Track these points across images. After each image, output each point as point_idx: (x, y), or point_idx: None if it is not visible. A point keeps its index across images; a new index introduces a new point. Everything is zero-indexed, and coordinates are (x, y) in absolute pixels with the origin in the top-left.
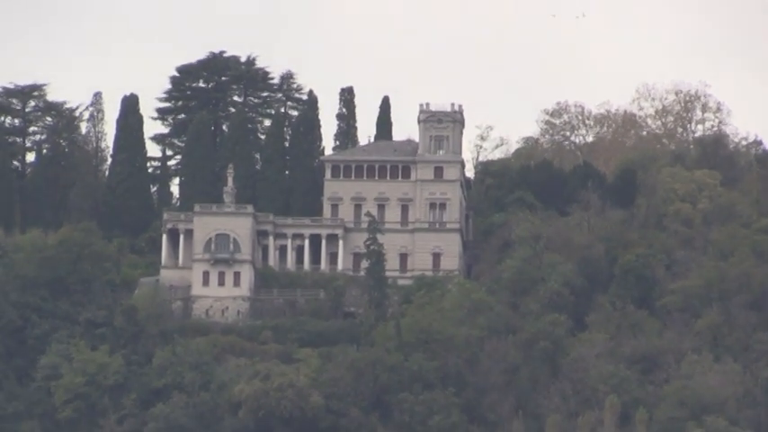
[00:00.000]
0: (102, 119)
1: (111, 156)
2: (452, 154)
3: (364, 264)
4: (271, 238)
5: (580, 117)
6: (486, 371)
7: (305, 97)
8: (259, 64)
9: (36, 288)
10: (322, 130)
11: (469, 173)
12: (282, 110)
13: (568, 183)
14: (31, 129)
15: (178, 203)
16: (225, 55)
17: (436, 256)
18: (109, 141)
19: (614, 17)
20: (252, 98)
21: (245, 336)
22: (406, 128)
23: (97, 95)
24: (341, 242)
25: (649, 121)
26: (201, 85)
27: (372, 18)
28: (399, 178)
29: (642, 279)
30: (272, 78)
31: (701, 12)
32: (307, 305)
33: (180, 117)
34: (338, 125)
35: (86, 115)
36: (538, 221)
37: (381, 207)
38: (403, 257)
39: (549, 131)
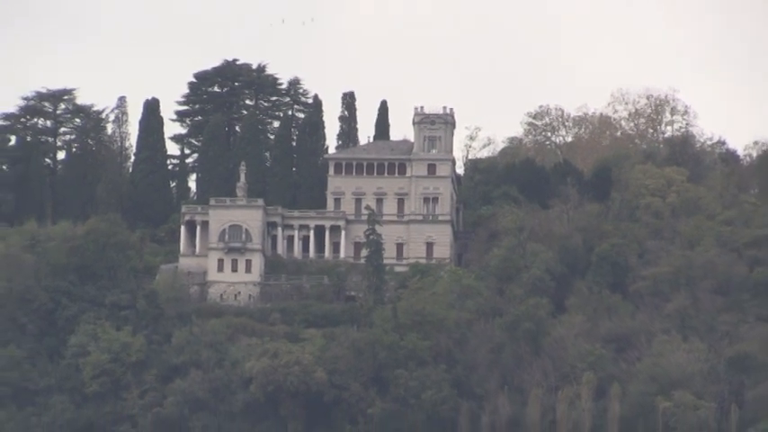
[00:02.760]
0: (126, 121)
1: (135, 154)
2: (444, 153)
3: (364, 252)
4: (279, 229)
5: (560, 119)
6: (475, 349)
7: (310, 101)
8: (269, 71)
9: (66, 274)
10: (326, 131)
11: (460, 170)
12: (290, 113)
13: (549, 179)
14: (62, 129)
15: (195, 197)
16: (238, 63)
17: (429, 246)
18: (132, 141)
19: (592, 28)
20: (262, 102)
21: (256, 317)
22: (402, 129)
23: (122, 99)
24: (343, 232)
25: (623, 122)
26: (216, 90)
27: (372, 30)
28: (396, 174)
29: (616, 266)
30: (281, 84)
31: (671, 22)
32: (312, 290)
33: (197, 119)
34: (340, 126)
35: (112, 117)
36: (522, 214)
37: (380, 201)
38: (399, 246)
39: (531, 132)
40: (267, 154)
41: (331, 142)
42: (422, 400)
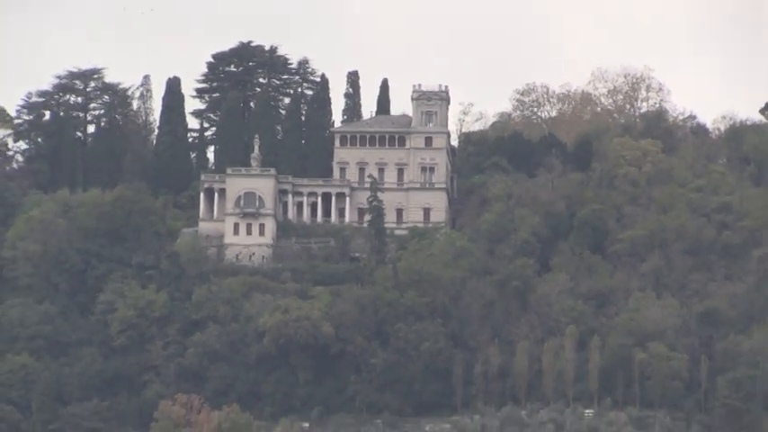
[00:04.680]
0: (150, 97)
1: (158, 128)
2: (440, 126)
3: (367, 217)
4: (290, 196)
5: (545, 96)
6: (468, 305)
7: (318, 80)
8: (280, 52)
9: (95, 237)
10: (332, 107)
11: (454, 142)
12: (299, 90)
13: (536, 150)
14: (92, 105)
15: (213, 167)
16: (252, 44)
17: (426, 211)
18: (156, 116)
19: (574, 12)
20: (274, 80)
21: (269, 276)
22: (401, 105)
23: (146, 78)
24: (347, 199)
25: (602, 99)
26: (233, 69)
27: (375, 14)
28: (396, 146)
29: (596, 230)
30: (291, 64)
31: (647, 6)
32: (319, 251)
33: (215, 96)
34: (345, 102)
35: (137, 94)
36: (510, 182)
37: (381, 170)
38: (399, 212)
39: (519, 108)
40: (279, 127)
41: (337, 117)
42: (420, 351)
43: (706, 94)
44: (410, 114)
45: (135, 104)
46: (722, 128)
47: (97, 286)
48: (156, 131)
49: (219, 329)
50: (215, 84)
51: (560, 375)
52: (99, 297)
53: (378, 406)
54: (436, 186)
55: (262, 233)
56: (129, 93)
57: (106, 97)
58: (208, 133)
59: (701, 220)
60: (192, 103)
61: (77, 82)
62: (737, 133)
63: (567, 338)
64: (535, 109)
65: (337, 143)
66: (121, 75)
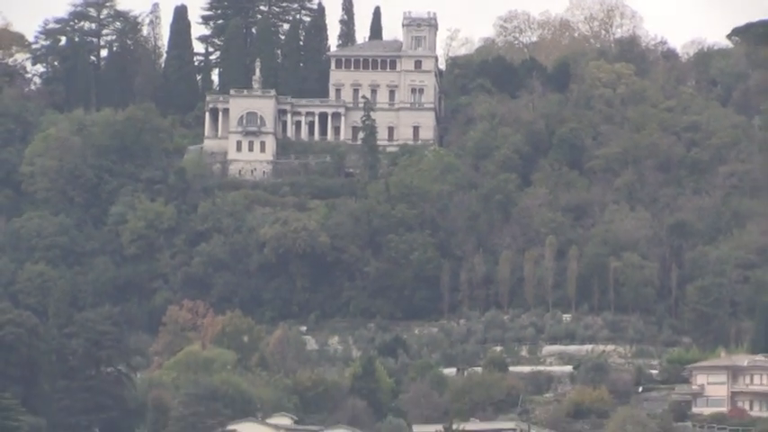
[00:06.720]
0: (159, 24)
1: (166, 52)
2: (428, 50)
3: (360, 135)
4: (289, 115)
5: (526, 22)
6: (454, 217)
7: (315, 7)
8: None
9: (108, 153)
10: (328, 33)
11: (441, 65)
12: (298, 17)
13: (518, 73)
14: (104, 31)
15: (218, 88)
16: None
17: (416, 129)
18: (164, 41)
19: None
20: (274, 8)
21: (269, 190)
22: (393, 30)
23: (155, 6)
24: (343, 118)
25: (580, 25)
26: None
27: None
28: (388, 69)
29: (574, 147)
30: None
31: None
32: (316, 167)
33: (219, 22)
34: (341, 28)
35: (147, 21)
36: (494, 102)
37: (374, 91)
38: (390, 130)
39: (503, 33)
40: (278, 52)
41: (332, 42)
42: (410, 260)
43: (676, 21)
44: (401, 39)
45: (145, 30)
46: (691, 52)
47: (109, 199)
48: (165, 55)
49: (223, 240)
50: (219, 11)
51: (540, 282)
52: (111, 209)
53: (370, 311)
54: (425, 106)
55: (263, 150)
56: (140, 20)
57: (118, 24)
58: (212, 57)
59: (671, 138)
60: (197, 29)
61: (91, 10)
62: (706, 57)
63: (547, 248)
64: (517, 34)
65: (333, 66)
66: (132, 3)
